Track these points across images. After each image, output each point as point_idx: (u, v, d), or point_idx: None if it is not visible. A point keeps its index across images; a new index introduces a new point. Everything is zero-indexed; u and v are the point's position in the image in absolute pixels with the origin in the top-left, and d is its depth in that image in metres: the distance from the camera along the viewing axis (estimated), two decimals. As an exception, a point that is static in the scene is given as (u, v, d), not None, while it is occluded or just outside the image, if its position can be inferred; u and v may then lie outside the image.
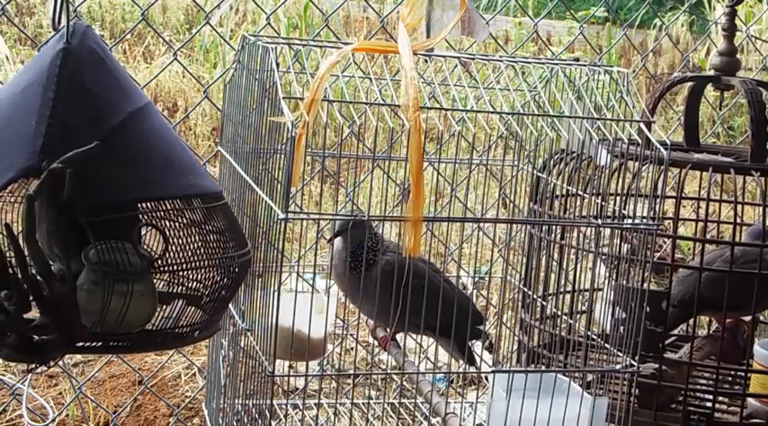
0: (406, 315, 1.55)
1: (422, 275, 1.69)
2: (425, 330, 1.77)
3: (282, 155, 1.44)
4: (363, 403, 2.17)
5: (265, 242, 1.61)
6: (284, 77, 1.46)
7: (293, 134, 1.33)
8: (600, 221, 1.57)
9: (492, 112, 1.56)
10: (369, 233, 1.81)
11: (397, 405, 2.18)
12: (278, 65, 1.44)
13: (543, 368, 1.78)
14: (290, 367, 1.98)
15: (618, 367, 1.56)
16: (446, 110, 1.55)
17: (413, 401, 2.18)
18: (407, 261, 1.73)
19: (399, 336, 1.90)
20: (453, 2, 1.56)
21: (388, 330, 1.89)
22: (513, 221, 1.89)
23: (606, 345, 1.61)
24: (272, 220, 1.48)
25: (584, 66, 1.70)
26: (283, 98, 1.35)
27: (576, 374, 1.62)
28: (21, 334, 1.17)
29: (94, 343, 1.23)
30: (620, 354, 1.56)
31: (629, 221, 1.58)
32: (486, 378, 2.10)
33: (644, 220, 1.56)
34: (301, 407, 2.14)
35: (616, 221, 1.61)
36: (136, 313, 1.20)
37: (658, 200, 1.55)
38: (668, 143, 1.49)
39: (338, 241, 1.83)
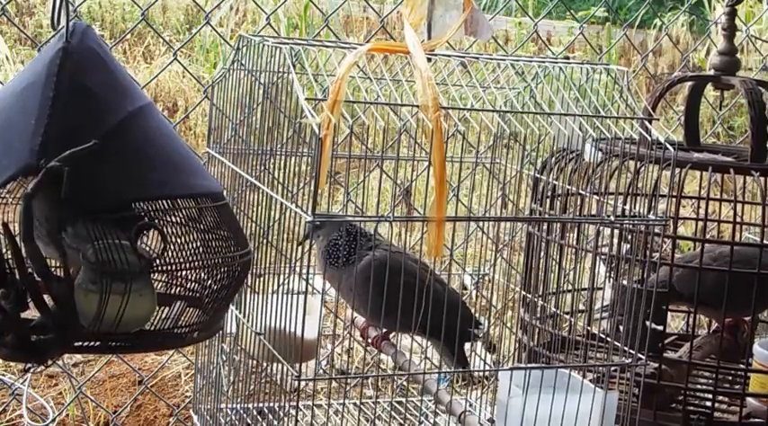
0: (397, 315, 1.54)
1: (412, 273, 1.67)
2: (417, 331, 1.75)
3: (285, 156, 1.44)
4: (365, 403, 2.17)
5: (266, 242, 1.61)
6: (287, 77, 1.46)
7: (320, 135, 1.33)
8: (612, 217, 1.57)
9: (506, 112, 1.56)
10: (341, 229, 1.79)
11: (400, 405, 2.18)
12: (294, 65, 1.44)
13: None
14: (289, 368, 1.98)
15: (628, 361, 1.57)
16: (466, 110, 1.55)
17: (417, 399, 2.18)
18: (402, 258, 1.73)
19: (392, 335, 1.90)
20: (456, 1, 1.56)
21: (379, 329, 1.88)
22: (528, 219, 1.89)
23: (614, 342, 1.61)
24: (290, 221, 1.48)
25: (583, 64, 1.70)
26: (306, 99, 1.34)
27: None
28: (18, 334, 1.17)
29: (93, 343, 1.23)
30: (629, 350, 1.57)
31: (637, 218, 1.59)
32: (487, 378, 2.10)
33: (650, 217, 1.56)
34: (303, 408, 2.14)
35: (625, 218, 1.61)
36: (134, 312, 1.20)
37: (663, 197, 1.56)
38: (675, 141, 1.49)
39: (319, 241, 1.82)
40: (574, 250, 1.75)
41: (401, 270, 1.60)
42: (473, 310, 2.05)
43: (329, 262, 1.78)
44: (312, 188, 1.37)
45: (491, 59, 1.66)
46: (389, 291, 1.53)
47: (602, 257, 1.72)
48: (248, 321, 1.66)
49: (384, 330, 1.86)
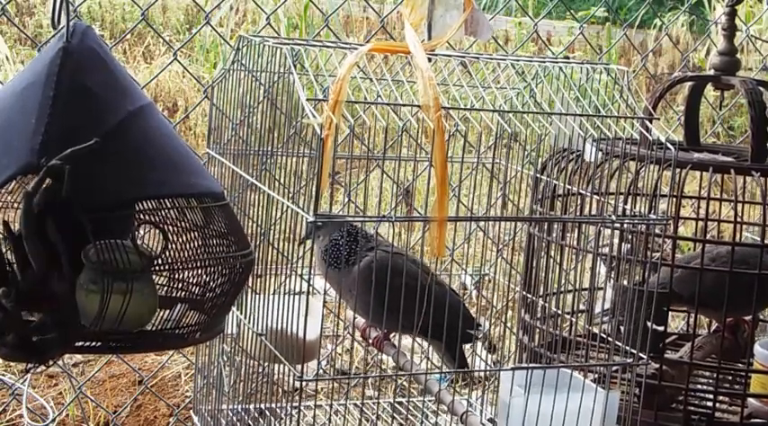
0: (398, 317, 1.54)
1: (412, 276, 1.66)
2: (418, 333, 1.75)
3: (286, 157, 1.43)
4: (366, 404, 2.17)
5: (266, 242, 1.61)
6: (287, 78, 1.46)
7: (322, 136, 1.33)
8: (613, 217, 1.57)
9: (506, 112, 1.55)
10: (342, 229, 1.79)
11: (401, 405, 2.18)
12: (294, 66, 1.43)
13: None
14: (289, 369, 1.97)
15: (629, 362, 1.57)
16: (466, 109, 1.55)
17: (418, 400, 2.18)
18: (402, 260, 1.73)
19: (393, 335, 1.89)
20: (457, 1, 1.56)
21: (379, 330, 1.88)
22: (529, 219, 1.89)
23: (615, 342, 1.62)
24: (290, 222, 1.48)
25: (583, 64, 1.70)
26: (307, 100, 1.34)
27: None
28: (19, 333, 1.17)
29: (94, 343, 1.23)
30: (630, 350, 1.57)
31: (637, 218, 1.59)
32: (487, 378, 2.10)
33: (651, 216, 1.57)
34: (304, 408, 2.14)
35: (626, 218, 1.61)
36: (135, 312, 1.20)
37: (663, 197, 1.56)
38: (676, 141, 1.49)
39: (319, 241, 1.82)
40: (574, 250, 1.75)
41: (402, 272, 1.60)
42: (473, 310, 2.04)
43: (329, 263, 1.78)
44: (313, 188, 1.36)
45: (491, 59, 1.66)
46: (390, 293, 1.53)
47: (603, 257, 1.72)
48: (249, 321, 1.66)
49: (385, 330, 1.86)
